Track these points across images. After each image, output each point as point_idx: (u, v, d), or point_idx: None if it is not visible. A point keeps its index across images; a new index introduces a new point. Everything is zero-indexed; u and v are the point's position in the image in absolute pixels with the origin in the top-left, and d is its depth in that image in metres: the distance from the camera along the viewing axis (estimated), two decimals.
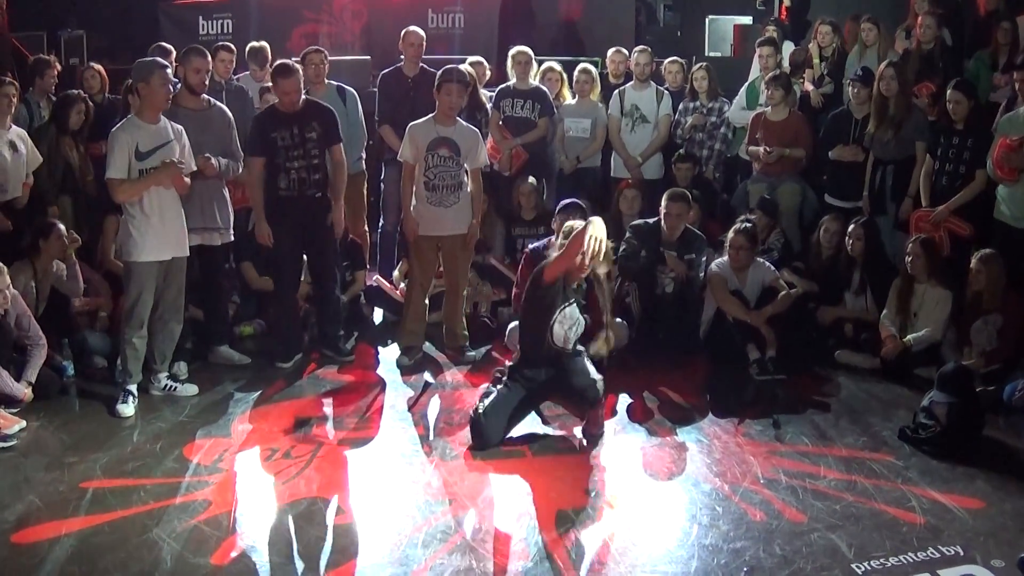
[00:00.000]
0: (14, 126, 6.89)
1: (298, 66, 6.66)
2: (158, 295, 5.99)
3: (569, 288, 5.46)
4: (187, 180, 5.98)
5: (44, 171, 7.10)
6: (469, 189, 6.75)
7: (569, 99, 8.57)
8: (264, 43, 8.56)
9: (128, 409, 5.82)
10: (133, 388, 5.94)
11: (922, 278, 6.64)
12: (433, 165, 6.60)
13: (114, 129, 5.92)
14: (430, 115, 6.71)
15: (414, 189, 6.68)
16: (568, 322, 5.45)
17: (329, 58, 7.90)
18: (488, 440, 5.36)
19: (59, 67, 8.36)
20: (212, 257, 6.58)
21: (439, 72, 6.77)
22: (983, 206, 7.01)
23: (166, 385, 6.13)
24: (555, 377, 5.54)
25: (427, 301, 6.95)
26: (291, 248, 6.65)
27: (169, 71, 5.95)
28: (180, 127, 6.04)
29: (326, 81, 7.73)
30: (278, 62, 6.72)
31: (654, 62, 8.77)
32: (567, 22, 11.83)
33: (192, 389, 6.17)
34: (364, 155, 8.00)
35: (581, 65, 8.67)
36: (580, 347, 5.61)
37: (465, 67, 8.00)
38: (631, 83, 8.65)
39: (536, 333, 5.47)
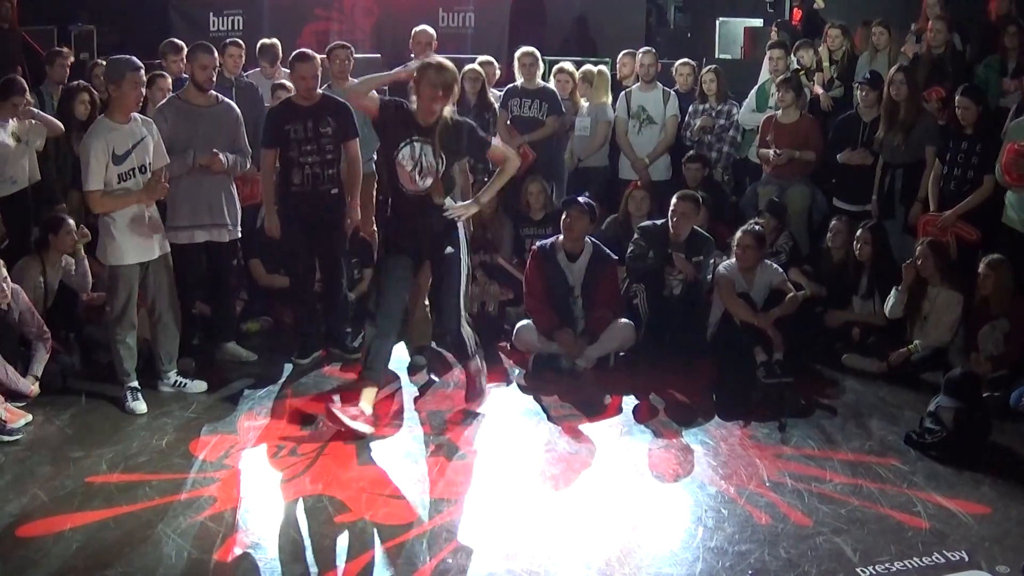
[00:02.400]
0: (11, 120, 6.89)
1: (318, 56, 6.55)
2: (152, 298, 5.96)
3: (414, 127, 5.42)
4: (165, 184, 5.90)
5: (53, 166, 7.10)
6: None
7: (582, 102, 8.58)
8: (275, 40, 8.56)
9: (141, 406, 5.80)
10: (136, 384, 5.93)
11: (934, 280, 6.61)
12: None
13: (85, 137, 5.79)
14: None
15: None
16: (413, 158, 5.41)
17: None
18: (387, 312, 5.61)
19: (72, 58, 8.37)
20: (220, 254, 6.58)
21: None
22: (990, 211, 6.99)
23: (176, 382, 6.13)
24: (429, 244, 5.62)
25: (427, 301, 6.91)
26: (303, 244, 6.61)
27: (142, 73, 5.77)
28: (149, 119, 5.97)
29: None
30: (297, 50, 6.67)
31: (659, 63, 8.77)
32: (578, 22, 11.83)
33: (202, 386, 6.17)
34: (376, 156, 7.96)
35: (581, 69, 8.70)
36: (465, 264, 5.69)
37: (474, 66, 8.02)
38: (637, 84, 8.65)
39: (388, 171, 5.56)
